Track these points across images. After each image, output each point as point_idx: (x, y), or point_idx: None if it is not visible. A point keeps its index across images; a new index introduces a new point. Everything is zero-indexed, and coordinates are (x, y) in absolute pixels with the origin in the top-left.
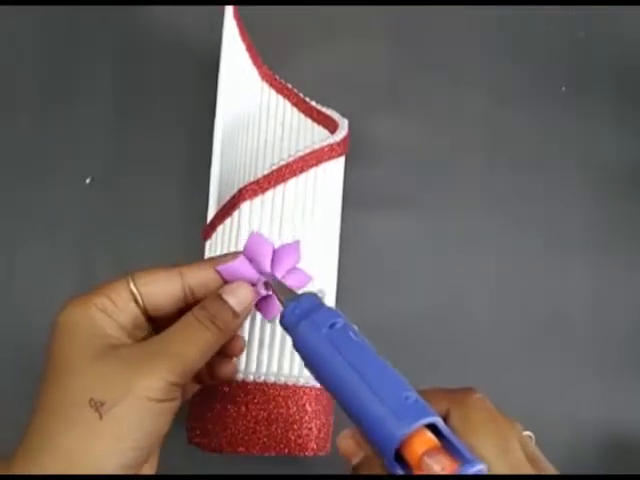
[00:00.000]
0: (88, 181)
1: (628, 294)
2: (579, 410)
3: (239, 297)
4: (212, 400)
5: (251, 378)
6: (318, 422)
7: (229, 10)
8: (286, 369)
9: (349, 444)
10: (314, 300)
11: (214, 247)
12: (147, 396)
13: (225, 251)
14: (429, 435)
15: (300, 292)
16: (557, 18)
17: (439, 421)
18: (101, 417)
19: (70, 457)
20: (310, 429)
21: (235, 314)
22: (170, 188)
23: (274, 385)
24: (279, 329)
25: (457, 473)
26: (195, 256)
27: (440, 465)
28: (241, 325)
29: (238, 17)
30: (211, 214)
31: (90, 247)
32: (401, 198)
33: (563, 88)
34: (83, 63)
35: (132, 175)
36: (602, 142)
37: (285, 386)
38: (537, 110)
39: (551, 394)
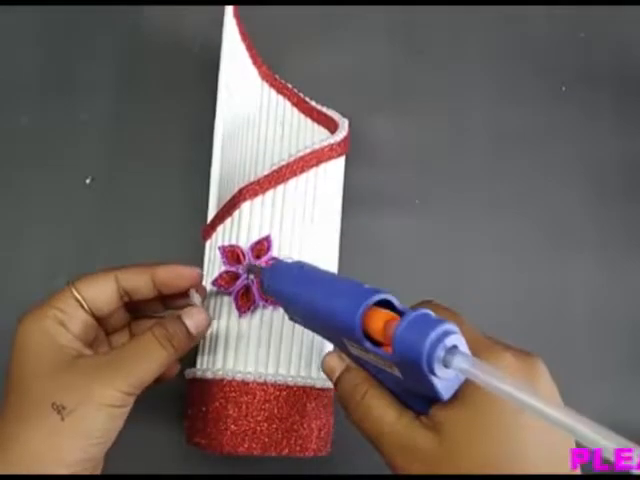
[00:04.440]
0: (88, 181)
1: (628, 293)
2: (579, 410)
3: (196, 320)
4: (212, 400)
5: (251, 378)
6: (318, 422)
7: (229, 10)
8: (286, 369)
9: (331, 358)
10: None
11: (214, 247)
12: (104, 403)
13: None
14: (385, 310)
15: None
16: (557, 18)
17: (392, 298)
18: (63, 419)
19: (36, 453)
20: (310, 429)
21: (191, 335)
22: (170, 188)
23: (274, 385)
24: (278, 329)
25: (403, 319)
26: (195, 256)
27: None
28: (193, 345)
29: (238, 17)
30: (211, 214)
31: (90, 247)
32: (401, 198)
33: (563, 88)
34: (83, 63)
35: (132, 175)
36: (602, 141)
37: (285, 386)
38: (537, 110)
39: None
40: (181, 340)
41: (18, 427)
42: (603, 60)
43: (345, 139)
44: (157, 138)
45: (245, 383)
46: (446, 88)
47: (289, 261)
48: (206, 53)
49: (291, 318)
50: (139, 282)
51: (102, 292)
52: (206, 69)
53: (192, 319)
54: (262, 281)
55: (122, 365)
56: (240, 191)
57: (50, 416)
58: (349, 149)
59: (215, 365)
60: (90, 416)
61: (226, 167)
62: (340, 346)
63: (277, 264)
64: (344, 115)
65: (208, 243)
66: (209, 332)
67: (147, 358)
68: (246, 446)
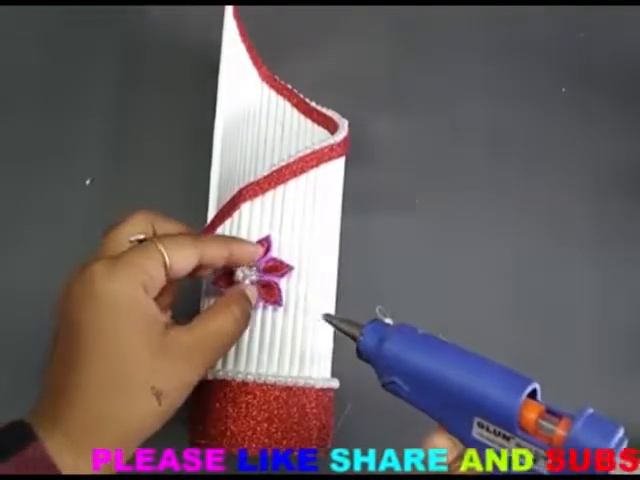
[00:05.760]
0: (88, 182)
1: (628, 293)
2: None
3: (254, 297)
4: (212, 401)
5: (251, 378)
6: (318, 423)
7: (229, 10)
8: (286, 369)
9: (440, 439)
10: (379, 322)
11: None
12: (189, 387)
13: None
14: (535, 402)
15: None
16: (557, 18)
17: (537, 386)
18: (160, 404)
19: (135, 436)
20: (310, 430)
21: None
22: (170, 188)
23: (274, 385)
24: (279, 329)
25: (572, 426)
26: None
27: (553, 424)
28: None
29: (238, 17)
30: (211, 215)
31: (90, 247)
32: (401, 198)
33: (563, 89)
34: (83, 63)
35: (132, 175)
36: (602, 142)
37: (285, 387)
38: (537, 110)
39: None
40: (248, 319)
41: (116, 406)
42: (603, 60)
43: (345, 140)
44: (157, 138)
45: (245, 384)
46: (445, 88)
47: (409, 326)
48: (206, 53)
49: (385, 385)
50: (217, 256)
51: (185, 260)
52: (206, 69)
53: (254, 297)
54: (364, 341)
55: (208, 348)
56: (240, 192)
57: (150, 400)
58: (349, 149)
59: (215, 366)
60: (177, 402)
61: (226, 167)
62: (454, 424)
63: (402, 327)
64: (344, 115)
65: None
66: None
67: (228, 340)
68: (246, 446)
